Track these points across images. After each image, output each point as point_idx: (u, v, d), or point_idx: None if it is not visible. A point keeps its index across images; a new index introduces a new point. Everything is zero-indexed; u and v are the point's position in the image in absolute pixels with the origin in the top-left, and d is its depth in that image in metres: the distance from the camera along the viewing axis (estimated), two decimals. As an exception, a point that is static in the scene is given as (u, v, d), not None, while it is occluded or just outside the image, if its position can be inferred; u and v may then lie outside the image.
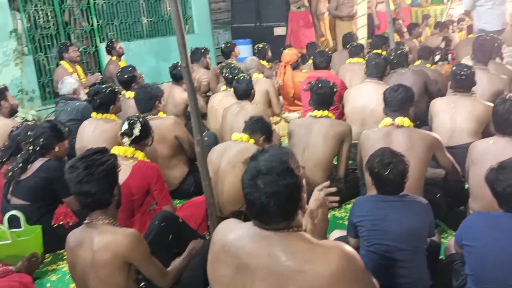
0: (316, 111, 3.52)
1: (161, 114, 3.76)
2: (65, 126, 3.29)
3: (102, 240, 2.01)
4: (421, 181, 2.82)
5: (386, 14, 6.00)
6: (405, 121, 2.90)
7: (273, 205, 1.42)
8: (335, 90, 3.61)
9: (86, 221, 2.09)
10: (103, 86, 3.79)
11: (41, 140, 3.04)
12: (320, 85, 3.55)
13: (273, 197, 1.42)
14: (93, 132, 3.61)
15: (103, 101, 3.62)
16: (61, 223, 3.03)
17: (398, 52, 4.69)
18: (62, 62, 5.78)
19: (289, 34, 8.37)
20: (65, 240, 3.03)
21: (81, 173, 2.01)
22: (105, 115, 3.66)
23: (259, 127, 3.22)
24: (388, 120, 2.95)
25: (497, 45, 4.72)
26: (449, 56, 5.61)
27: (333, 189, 1.86)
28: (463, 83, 3.55)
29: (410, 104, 2.98)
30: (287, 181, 1.43)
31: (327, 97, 3.54)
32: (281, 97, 5.71)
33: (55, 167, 2.99)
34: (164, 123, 3.61)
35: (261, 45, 6.29)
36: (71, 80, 4.86)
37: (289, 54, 5.83)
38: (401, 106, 2.94)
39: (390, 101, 2.97)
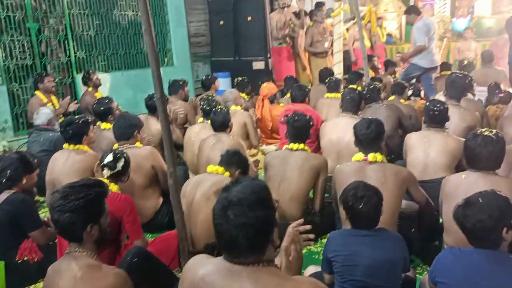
0: (292, 143, 3.52)
1: (138, 144, 3.73)
2: (35, 157, 3.21)
3: (83, 274, 1.95)
4: (395, 215, 2.81)
5: (362, 51, 6.16)
6: (378, 156, 2.91)
7: (242, 237, 1.40)
8: (311, 123, 3.64)
9: (66, 251, 2.06)
10: (76, 116, 3.73)
11: (8, 172, 2.96)
12: (296, 118, 3.57)
13: (242, 228, 1.39)
14: (64, 164, 3.53)
15: (75, 131, 3.55)
16: (25, 258, 2.90)
17: (371, 87, 4.79)
18: (37, 92, 5.70)
19: (272, 68, 8.56)
20: (28, 276, 2.92)
21: (57, 201, 2.01)
22: (77, 146, 3.58)
23: (235, 161, 3.19)
24: (360, 155, 2.96)
25: (468, 82, 4.88)
26: (422, 92, 5.76)
27: (308, 227, 1.83)
28: (436, 118, 3.62)
29: (381, 139, 3.01)
30: (257, 213, 1.41)
31: (303, 130, 3.56)
32: (258, 130, 5.74)
33: (21, 200, 2.90)
34: (141, 152, 3.60)
35: (241, 78, 6.35)
36: (46, 110, 4.80)
37: (267, 88, 5.90)
38: (373, 143, 2.96)
39: (362, 139, 2.99)
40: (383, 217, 2.30)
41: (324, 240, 3.18)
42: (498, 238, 1.89)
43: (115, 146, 3.74)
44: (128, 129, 3.69)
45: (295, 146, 3.50)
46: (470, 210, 1.91)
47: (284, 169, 3.42)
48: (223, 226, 1.42)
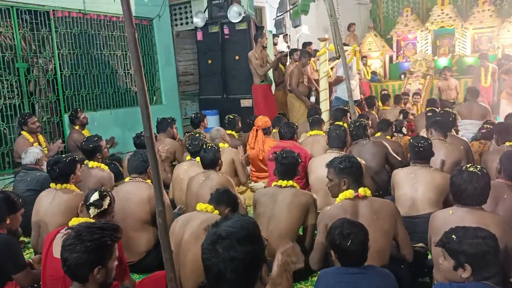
0: (280, 180, 3.53)
1: (148, 181, 3.71)
2: (20, 197, 3.16)
3: None
4: (386, 251, 2.80)
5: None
6: (367, 191, 2.93)
7: (231, 271, 1.38)
8: (299, 160, 3.66)
9: None
10: (63, 155, 3.71)
11: (-9, 211, 2.90)
12: (284, 155, 3.59)
13: (231, 262, 1.38)
14: (51, 203, 3.48)
15: (62, 170, 3.53)
16: (8, 302, 2.82)
17: (357, 124, 4.85)
18: (23, 132, 5.68)
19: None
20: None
21: (69, 239, 2.02)
22: (64, 185, 3.55)
23: (225, 199, 3.17)
24: (350, 192, 2.93)
25: (452, 119, 5.00)
26: (403, 128, 5.86)
27: (297, 248, 1.81)
28: (421, 154, 3.67)
29: (363, 175, 3.08)
30: (246, 247, 1.40)
31: (291, 167, 3.57)
32: (248, 167, 5.74)
33: (4, 242, 2.81)
34: (152, 190, 3.54)
35: (232, 116, 6.39)
36: (35, 150, 4.77)
37: (262, 120, 5.98)
38: (360, 178, 3.00)
39: (349, 172, 3.00)
40: (375, 253, 2.30)
41: (315, 279, 3.15)
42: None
43: (127, 179, 3.76)
44: (143, 163, 3.70)
45: (284, 183, 3.51)
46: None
47: (273, 206, 3.41)
48: (211, 261, 1.41)
